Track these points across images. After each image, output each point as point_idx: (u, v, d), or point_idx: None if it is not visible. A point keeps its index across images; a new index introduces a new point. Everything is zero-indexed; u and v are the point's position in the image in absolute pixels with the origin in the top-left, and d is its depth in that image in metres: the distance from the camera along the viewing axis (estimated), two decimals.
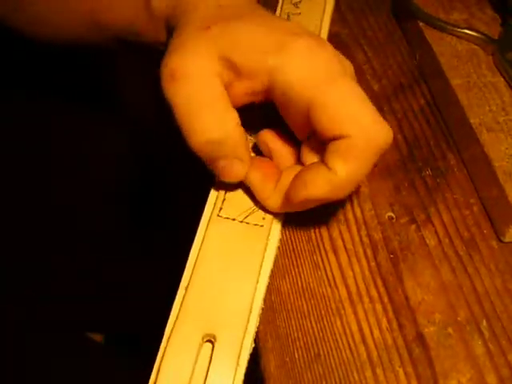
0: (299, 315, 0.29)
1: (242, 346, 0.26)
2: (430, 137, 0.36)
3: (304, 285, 0.30)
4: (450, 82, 0.35)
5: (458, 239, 0.31)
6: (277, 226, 0.30)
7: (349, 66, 0.29)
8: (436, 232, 0.32)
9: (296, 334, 0.28)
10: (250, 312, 0.27)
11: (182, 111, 0.27)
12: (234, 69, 0.28)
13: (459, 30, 0.38)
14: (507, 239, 0.31)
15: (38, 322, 0.56)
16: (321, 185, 0.27)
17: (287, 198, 0.29)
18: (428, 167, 0.35)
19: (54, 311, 0.57)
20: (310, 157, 0.29)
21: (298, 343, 0.28)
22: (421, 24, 0.39)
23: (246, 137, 0.29)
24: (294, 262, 0.31)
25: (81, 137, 0.57)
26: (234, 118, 0.28)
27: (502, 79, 0.36)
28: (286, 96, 0.28)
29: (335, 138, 0.26)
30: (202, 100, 0.27)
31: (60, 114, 0.55)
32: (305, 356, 0.28)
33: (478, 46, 0.38)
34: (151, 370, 0.26)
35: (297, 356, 0.28)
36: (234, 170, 0.29)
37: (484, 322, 0.29)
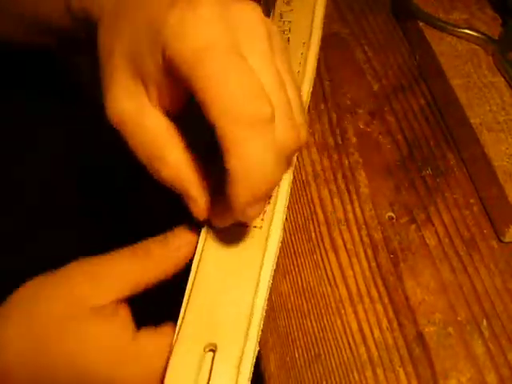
0: (299, 315, 0.29)
1: (243, 352, 0.26)
2: (429, 137, 0.36)
3: (304, 284, 0.30)
4: (450, 82, 0.35)
5: (458, 239, 0.31)
6: (276, 227, 0.30)
7: (242, 22, 0.25)
8: (436, 232, 0.32)
9: (296, 334, 0.28)
10: (251, 318, 0.27)
11: (134, 152, 0.27)
12: (148, 80, 0.26)
13: (459, 30, 0.38)
14: (507, 239, 0.31)
15: None
16: (234, 192, 0.24)
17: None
18: (428, 167, 0.35)
19: None
20: None
21: (298, 343, 0.28)
22: (421, 24, 0.39)
23: (200, 172, 0.28)
24: (294, 262, 0.31)
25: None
26: (176, 150, 0.27)
27: (502, 79, 0.36)
28: (178, 75, 0.25)
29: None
30: (144, 142, 0.27)
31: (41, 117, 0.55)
32: (305, 356, 0.28)
33: (478, 45, 0.38)
34: None
35: (297, 355, 0.28)
36: (191, 207, 0.28)
37: (484, 322, 0.29)
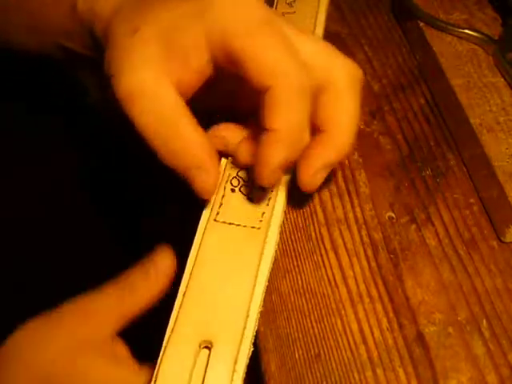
0: (299, 315, 0.29)
1: (238, 351, 0.26)
2: (430, 137, 0.36)
3: (304, 285, 0.30)
4: (450, 82, 0.35)
5: (458, 239, 0.31)
6: (274, 228, 0.30)
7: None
8: (436, 232, 0.32)
9: (296, 334, 0.28)
10: (247, 317, 0.27)
11: (142, 128, 0.27)
12: (176, 57, 0.28)
13: (459, 29, 0.38)
14: (507, 239, 0.31)
15: None
16: (273, 151, 0.26)
17: (257, 179, 0.28)
18: (428, 167, 0.35)
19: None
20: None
21: (298, 343, 0.28)
22: (421, 24, 0.39)
23: (212, 146, 0.29)
24: (295, 262, 0.31)
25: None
26: (190, 126, 0.28)
27: (502, 79, 0.36)
28: (225, 53, 0.27)
29: (263, 91, 0.27)
30: (158, 117, 0.27)
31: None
32: (305, 356, 0.28)
33: (478, 46, 0.38)
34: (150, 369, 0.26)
35: (297, 356, 0.28)
36: (201, 180, 0.28)
37: (484, 322, 0.29)
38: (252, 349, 0.26)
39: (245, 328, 0.26)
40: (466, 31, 0.38)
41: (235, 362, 0.25)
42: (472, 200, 0.33)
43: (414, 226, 0.32)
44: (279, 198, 0.31)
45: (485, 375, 0.27)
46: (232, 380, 0.25)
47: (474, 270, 0.30)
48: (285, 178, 0.32)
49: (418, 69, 0.40)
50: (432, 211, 0.33)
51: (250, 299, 0.27)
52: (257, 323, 0.27)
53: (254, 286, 0.28)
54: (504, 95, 0.35)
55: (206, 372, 0.25)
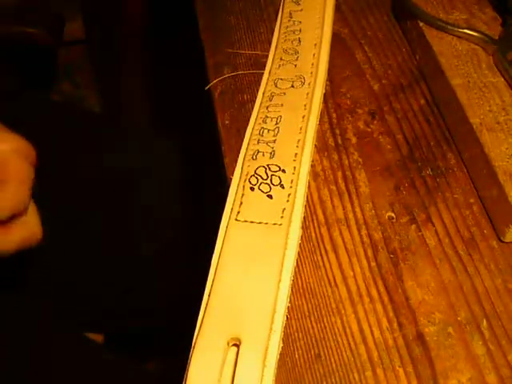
0: (299, 315, 0.29)
1: (267, 346, 0.26)
2: (430, 137, 0.36)
3: (304, 285, 0.30)
4: (450, 82, 0.35)
5: (458, 239, 0.31)
6: (296, 223, 0.30)
7: None
8: (436, 232, 0.32)
9: (296, 334, 0.28)
10: (274, 312, 0.27)
11: None
12: None
13: (459, 29, 0.38)
14: (507, 239, 0.31)
15: (39, 321, 0.56)
16: None
17: None
18: (428, 167, 0.35)
19: (54, 311, 0.57)
20: None
21: (298, 343, 0.28)
22: (421, 24, 0.39)
23: None
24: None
25: None
26: None
27: (502, 79, 0.36)
28: None
29: None
30: None
31: None
32: (305, 356, 0.28)
33: (478, 45, 0.38)
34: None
35: (297, 356, 0.28)
36: None
37: (484, 322, 0.29)
38: (282, 344, 0.26)
39: (272, 323, 0.26)
40: (466, 31, 0.38)
41: (265, 357, 0.25)
42: (472, 200, 0.33)
43: (413, 226, 0.32)
44: (299, 192, 0.31)
45: (485, 375, 0.27)
46: (263, 375, 0.25)
47: (474, 269, 0.30)
48: (304, 172, 0.32)
49: (418, 69, 0.40)
50: (432, 211, 0.33)
51: (275, 295, 0.27)
52: (285, 318, 0.27)
53: (279, 281, 0.28)
54: (504, 95, 0.35)
55: (235, 368, 0.25)
